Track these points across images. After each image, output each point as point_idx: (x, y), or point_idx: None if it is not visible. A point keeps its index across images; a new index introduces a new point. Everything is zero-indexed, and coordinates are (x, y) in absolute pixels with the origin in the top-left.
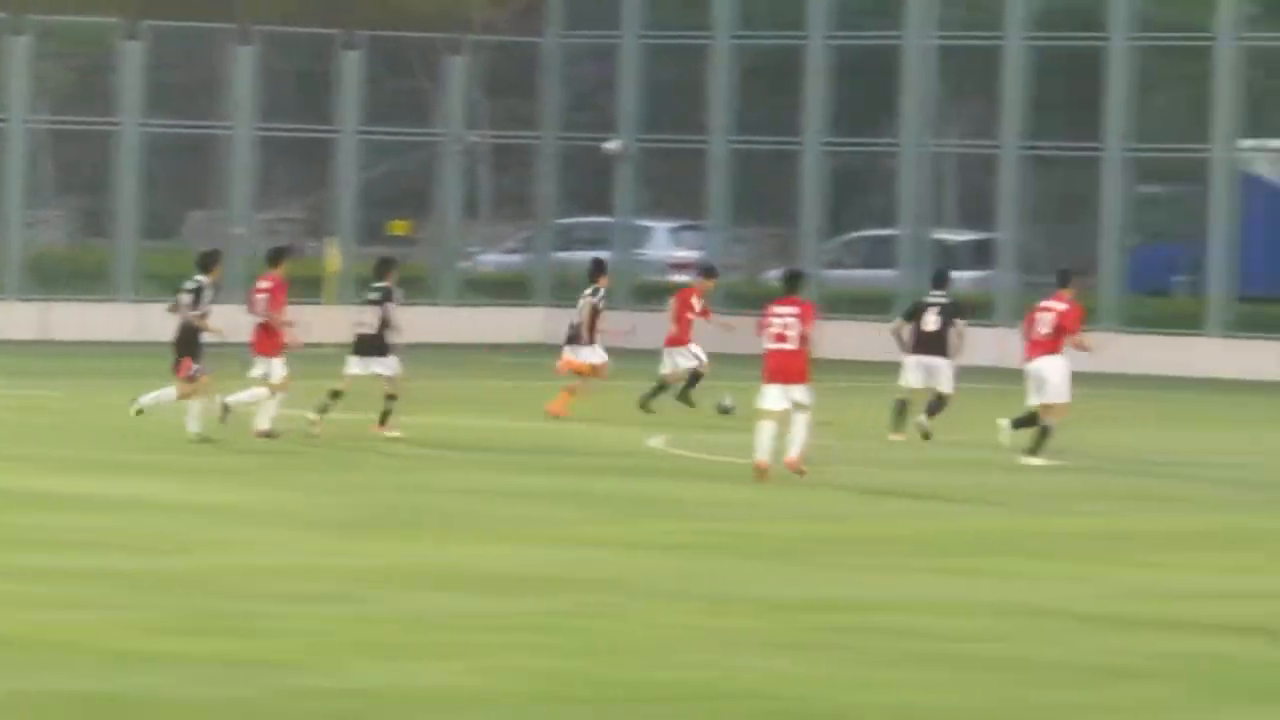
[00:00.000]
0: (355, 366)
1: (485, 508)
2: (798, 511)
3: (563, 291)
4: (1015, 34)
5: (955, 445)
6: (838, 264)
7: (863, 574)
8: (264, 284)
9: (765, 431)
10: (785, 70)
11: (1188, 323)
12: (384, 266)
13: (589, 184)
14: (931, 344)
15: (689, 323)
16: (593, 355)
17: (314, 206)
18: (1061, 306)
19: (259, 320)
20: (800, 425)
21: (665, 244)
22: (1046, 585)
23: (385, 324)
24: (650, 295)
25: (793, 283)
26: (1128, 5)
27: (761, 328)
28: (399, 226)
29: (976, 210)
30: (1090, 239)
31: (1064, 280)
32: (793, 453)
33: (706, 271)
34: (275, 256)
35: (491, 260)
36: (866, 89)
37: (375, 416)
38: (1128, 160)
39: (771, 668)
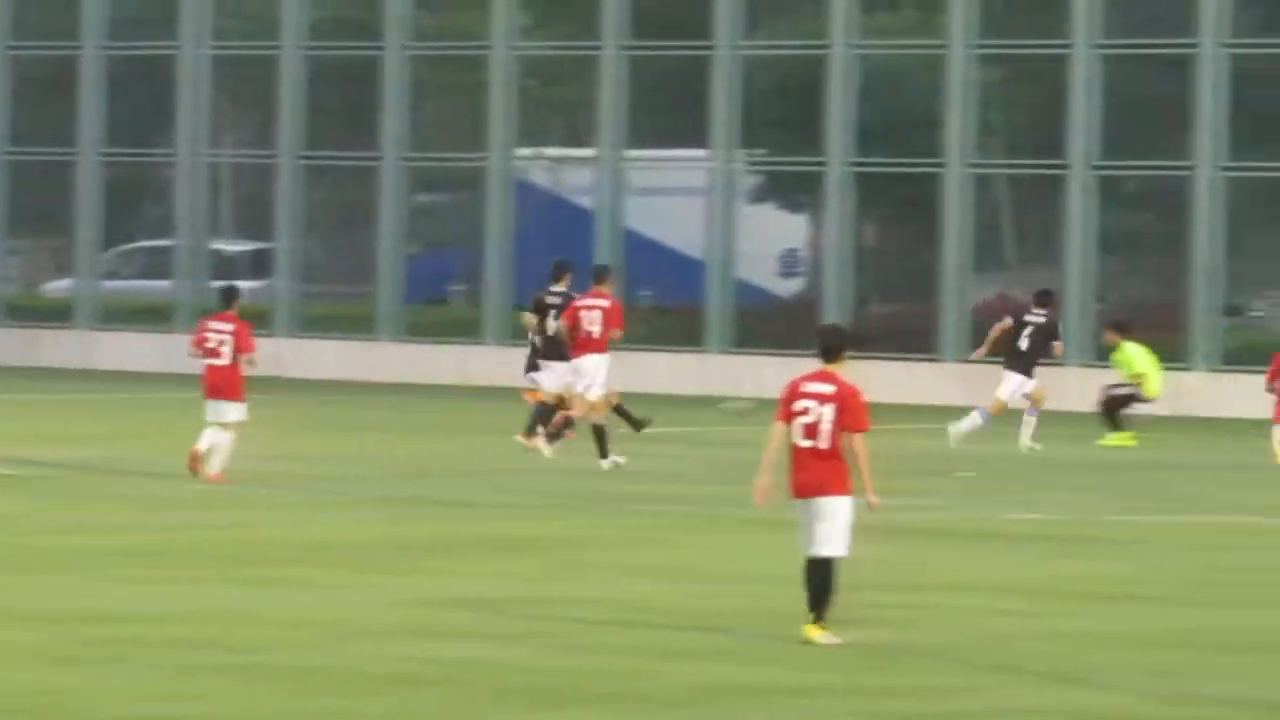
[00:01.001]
0: None
1: None
2: (75, 524)
3: None
4: (291, 44)
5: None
6: (114, 275)
7: (151, 586)
8: None
9: (207, 439)
10: (59, 80)
11: (465, 331)
12: None
13: None
14: (551, 348)
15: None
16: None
17: None
18: (605, 303)
19: None
20: (225, 440)
21: None
22: (334, 594)
23: None
24: None
25: (228, 299)
26: (401, 14)
27: (198, 343)
28: None
29: (254, 220)
30: (370, 248)
31: (600, 276)
32: (214, 466)
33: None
34: None
35: None
36: (142, 99)
37: None
38: (404, 169)
39: (44, 681)
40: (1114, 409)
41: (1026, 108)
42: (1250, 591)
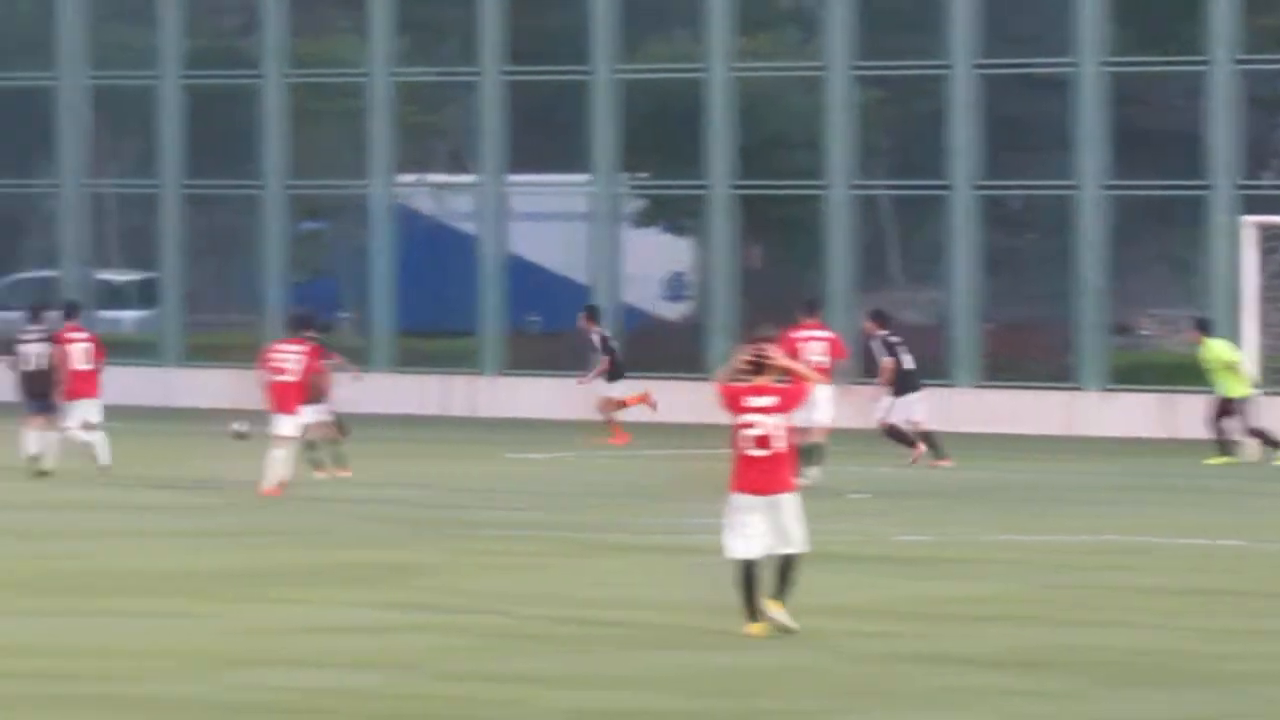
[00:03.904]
0: None
1: None
2: None
3: None
4: (170, 73)
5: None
6: (3, 307)
7: (4, 619)
8: None
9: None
10: None
11: (355, 359)
12: None
13: None
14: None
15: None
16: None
17: None
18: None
19: None
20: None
21: None
22: (193, 623)
23: None
24: None
25: (299, 324)
26: (279, 42)
27: (266, 364)
28: None
29: (140, 249)
30: (255, 276)
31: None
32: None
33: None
34: None
35: None
36: (22, 130)
37: None
38: (287, 197)
39: None
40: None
41: (908, 128)
42: (1124, 612)
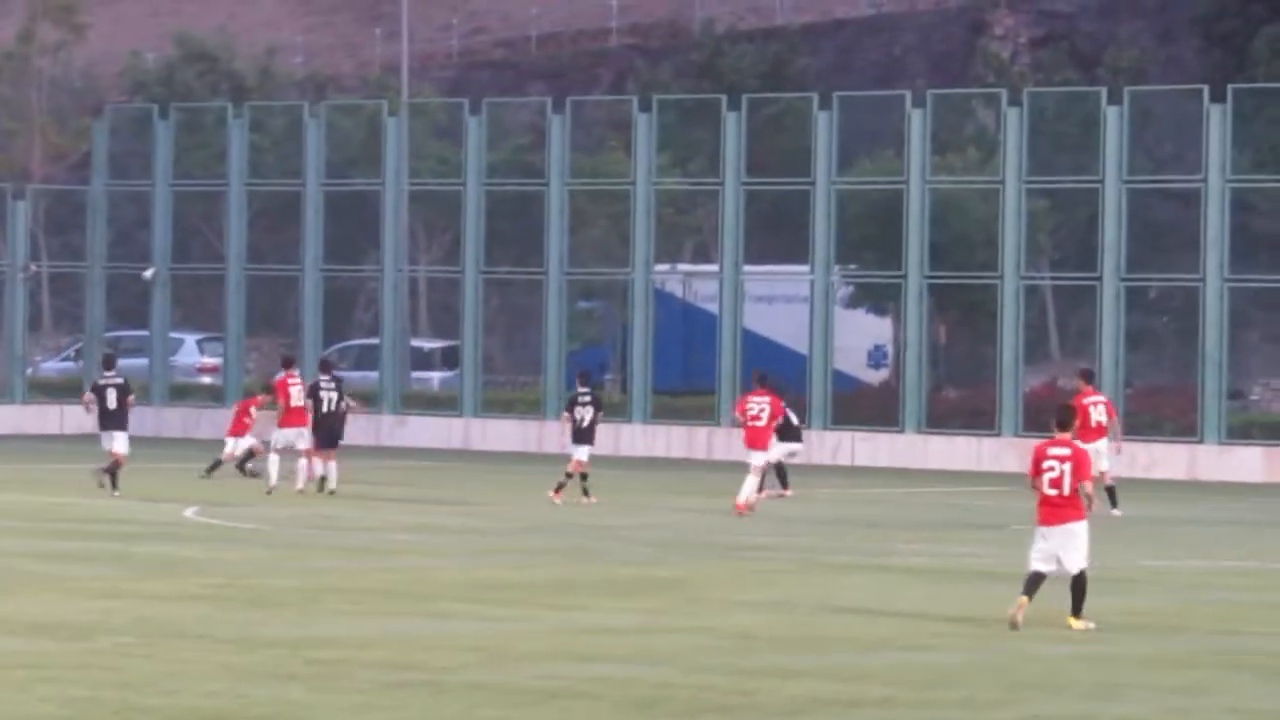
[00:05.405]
0: None
1: (33, 567)
2: (299, 568)
3: None
4: (473, 181)
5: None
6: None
7: (354, 618)
8: None
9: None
10: (288, 211)
11: (617, 412)
12: None
13: (131, 303)
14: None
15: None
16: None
17: None
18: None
19: None
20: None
21: (193, 352)
22: (500, 624)
23: None
24: (184, 394)
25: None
26: (561, 157)
27: (741, 410)
28: None
29: (445, 322)
30: (538, 345)
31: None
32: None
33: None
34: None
35: (52, 366)
36: (354, 226)
37: None
38: (565, 281)
39: (282, 695)
40: None
41: (1067, 231)
42: (1241, 623)
